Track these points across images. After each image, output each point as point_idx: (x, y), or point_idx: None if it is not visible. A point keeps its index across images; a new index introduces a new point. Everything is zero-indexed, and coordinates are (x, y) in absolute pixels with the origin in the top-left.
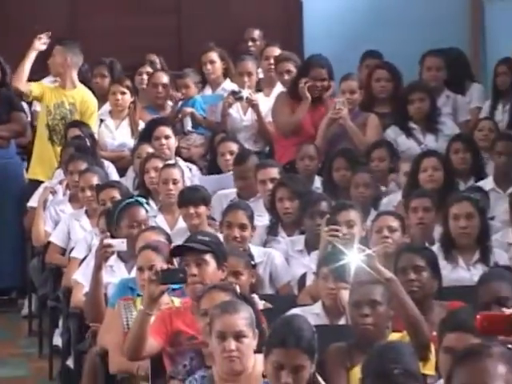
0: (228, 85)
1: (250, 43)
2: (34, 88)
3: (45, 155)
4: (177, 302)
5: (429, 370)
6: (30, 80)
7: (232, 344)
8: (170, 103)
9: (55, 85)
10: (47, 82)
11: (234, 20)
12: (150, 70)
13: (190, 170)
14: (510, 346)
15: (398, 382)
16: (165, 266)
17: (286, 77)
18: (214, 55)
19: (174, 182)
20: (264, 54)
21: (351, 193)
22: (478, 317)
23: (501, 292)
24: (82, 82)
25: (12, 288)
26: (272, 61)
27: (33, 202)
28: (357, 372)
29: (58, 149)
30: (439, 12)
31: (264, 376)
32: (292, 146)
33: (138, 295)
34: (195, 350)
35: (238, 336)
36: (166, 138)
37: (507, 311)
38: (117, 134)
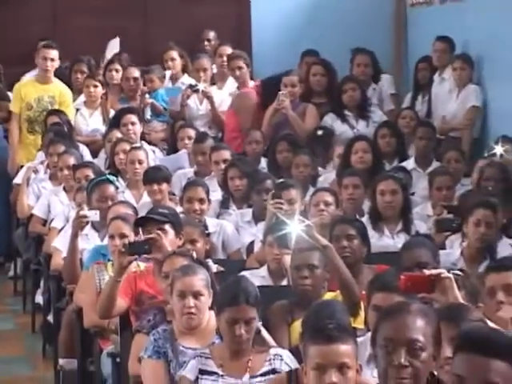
0: (186, 79)
1: (206, 43)
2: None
3: (24, 144)
4: (142, 266)
5: (359, 324)
6: (14, 75)
7: (191, 302)
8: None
9: (33, 80)
10: (31, 75)
11: (192, 23)
12: (118, 66)
13: (154, 152)
14: (430, 302)
15: (332, 335)
16: (132, 239)
17: (238, 73)
18: (174, 53)
19: (140, 163)
20: (218, 52)
21: (292, 172)
22: (401, 277)
23: (421, 257)
24: (60, 77)
25: (0, 254)
26: (225, 58)
27: (18, 180)
28: (297, 326)
29: (39, 137)
30: (370, 16)
31: (217, 332)
32: (240, 135)
33: (109, 260)
34: (158, 308)
35: (196, 295)
36: (133, 124)
37: (427, 272)
38: (90, 122)
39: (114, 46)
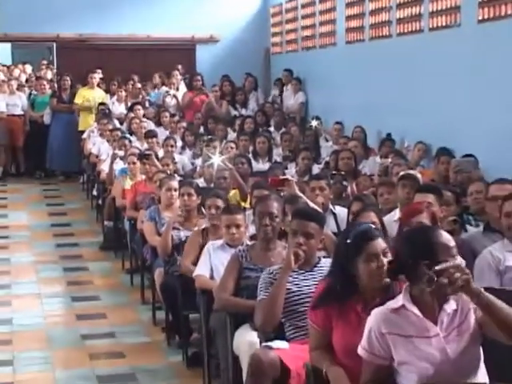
0: (164, 88)
1: (176, 72)
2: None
3: (85, 118)
4: (129, 183)
5: (247, 205)
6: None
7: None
8: None
9: (85, 88)
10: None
11: (164, 63)
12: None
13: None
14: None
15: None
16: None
17: (195, 83)
18: (157, 76)
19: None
20: (176, 74)
21: (214, 132)
22: (269, 180)
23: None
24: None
25: (75, 172)
26: (179, 77)
27: (84, 135)
28: None
29: (93, 115)
30: (254, 57)
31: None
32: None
33: (127, 174)
34: (150, 197)
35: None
36: (139, 109)
37: (281, 177)
38: (116, 108)
39: None
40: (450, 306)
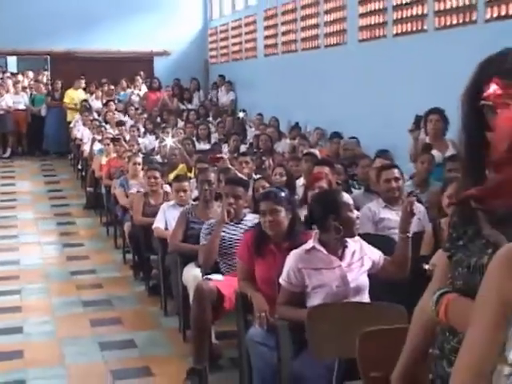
0: (129, 90)
1: (138, 77)
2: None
3: (71, 112)
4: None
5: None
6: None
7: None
8: None
9: (72, 89)
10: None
11: (129, 70)
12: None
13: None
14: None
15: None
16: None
17: (153, 85)
18: (123, 81)
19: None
20: (140, 79)
21: (168, 121)
22: (209, 157)
23: None
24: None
25: (65, 151)
26: (140, 81)
27: (71, 124)
28: None
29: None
30: (196, 65)
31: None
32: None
33: (102, 152)
34: (121, 170)
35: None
36: (111, 105)
37: (218, 155)
38: (94, 103)
39: None
40: (350, 248)
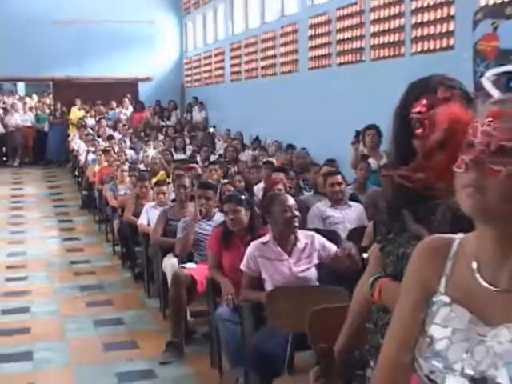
0: (118, 109)
1: (126, 99)
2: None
3: (73, 127)
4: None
5: None
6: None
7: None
8: None
9: (75, 108)
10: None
11: (117, 94)
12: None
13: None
14: None
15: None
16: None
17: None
18: (113, 102)
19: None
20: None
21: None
22: (184, 166)
23: None
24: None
25: (64, 160)
26: (127, 101)
27: (69, 138)
28: None
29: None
30: (174, 88)
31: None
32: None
33: (94, 162)
34: (111, 176)
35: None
36: (103, 122)
37: (191, 165)
38: (89, 120)
39: None
40: (300, 245)
